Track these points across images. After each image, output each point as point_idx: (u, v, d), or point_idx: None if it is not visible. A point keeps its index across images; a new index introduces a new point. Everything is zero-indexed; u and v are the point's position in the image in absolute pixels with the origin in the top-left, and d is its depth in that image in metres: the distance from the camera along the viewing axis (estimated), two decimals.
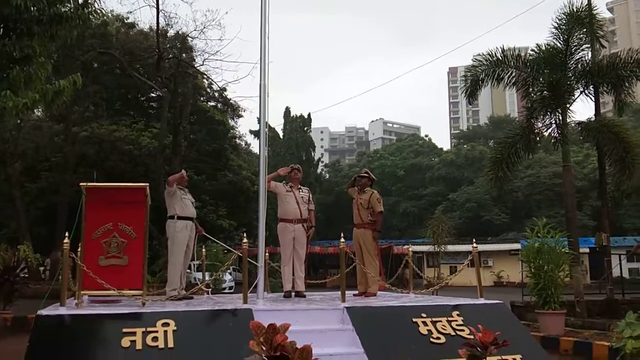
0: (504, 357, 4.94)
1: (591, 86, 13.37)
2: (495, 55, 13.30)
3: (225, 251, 17.04)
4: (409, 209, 50.95)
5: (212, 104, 33.95)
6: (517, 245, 29.15)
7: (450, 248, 27.94)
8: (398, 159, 58.11)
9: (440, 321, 5.78)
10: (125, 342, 4.71)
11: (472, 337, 4.16)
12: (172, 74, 25.42)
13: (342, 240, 6.41)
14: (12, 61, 8.76)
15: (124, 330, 4.83)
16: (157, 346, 4.73)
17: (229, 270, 22.90)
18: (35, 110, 20.21)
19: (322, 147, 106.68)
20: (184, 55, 26.55)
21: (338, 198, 49.72)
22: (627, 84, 13.25)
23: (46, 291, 7.34)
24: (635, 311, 4.73)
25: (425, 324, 5.70)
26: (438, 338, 5.52)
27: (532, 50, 13.59)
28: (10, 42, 8.70)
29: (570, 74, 13.08)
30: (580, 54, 13.09)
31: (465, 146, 59.83)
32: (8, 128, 18.61)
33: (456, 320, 5.86)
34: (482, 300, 6.67)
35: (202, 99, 32.72)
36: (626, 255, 19.28)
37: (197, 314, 5.36)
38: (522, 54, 13.88)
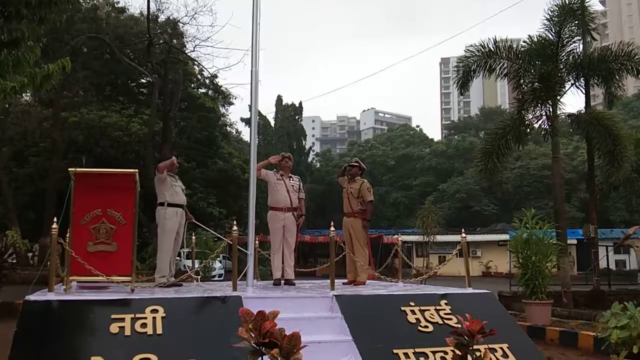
0: (490, 346, 4.99)
1: (582, 78, 13.44)
2: (488, 46, 13.30)
3: (215, 239, 17.02)
4: (399, 199, 51.11)
5: (203, 91, 33.75)
6: (505, 236, 29.36)
7: (440, 238, 28.11)
8: (389, 149, 58.18)
9: (429, 310, 5.82)
10: (114, 328, 4.70)
11: (459, 325, 4.20)
12: (162, 60, 25.20)
13: (332, 229, 6.42)
14: (0, 45, 8.63)
15: (113, 316, 4.82)
16: (146, 332, 4.72)
17: (218, 259, 22.89)
18: (23, 95, 20.00)
19: (313, 135, 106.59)
20: (174, 41, 26.29)
21: (329, 187, 49.73)
22: (617, 77, 13.32)
23: (34, 277, 7.29)
24: (621, 302, 4.79)
25: (413, 312, 5.73)
26: (426, 326, 5.56)
27: (524, 41, 13.60)
28: None
29: (562, 66, 13.12)
30: (571, 46, 13.15)
31: (456, 137, 60.04)
32: None
33: (444, 309, 5.90)
34: (470, 290, 6.72)
35: (192, 85, 32.50)
36: (613, 246, 19.44)
37: (186, 301, 5.35)
38: (514, 45, 13.89)
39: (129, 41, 26.36)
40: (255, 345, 3.18)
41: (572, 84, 13.41)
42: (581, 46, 13.50)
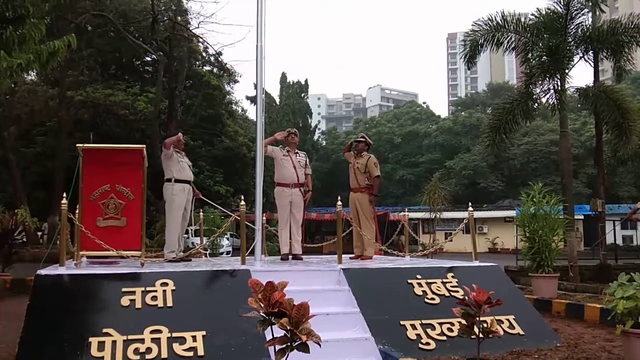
0: (497, 317, 5.03)
1: (591, 52, 13.26)
2: (495, 20, 13.13)
3: (223, 217, 17.12)
4: (406, 176, 51.05)
5: (208, 68, 33.62)
6: (512, 213, 29.30)
7: (446, 215, 28.19)
8: (395, 126, 57.91)
9: (435, 282, 5.88)
10: (125, 301, 4.77)
11: (466, 297, 4.23)
12: (167, 37, 25.08)
13: (339, 203, 6.45)
14: (5, 21, 8.62)
15: (124, 289, 4.89)
16: (157, 305, 4.79)
17: (226, 236, 23.05)
18: (29, 73, 19.97)
19: (318, 113, 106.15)
20: (179, 18, 26.13)
21: (334, 165, 49.82)
22: (626, 50, 13.12)
23: (44, 255, 7.39)
24: (628, 273, 4.80)
25: (420, 285, 5.79)
26: (433, 299, 5.61)
27: (532, 14, 13.41)
28: (3, 1, 8.55)
29: (570, 39, 12.94)
30: (580, 18, 12.91)
31: (463, 113, 59.61)
32: (2, 90, 18.42)
33: (450, 282, 5.96)
34: (476, 263, 6.77)
35: (197, 63, 32.38)
36: (620, 221, 19.42)
37: (196, 274, 5.42)
38: (522, 19, 13.70)
39: (133, 19, 26.22)
40: (264, 315, 3.22)
41: (580, 57, 13.24)
42: (590, 19, 13.32)
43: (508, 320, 5.49)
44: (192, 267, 5.94)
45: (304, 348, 3.12)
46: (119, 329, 4.46)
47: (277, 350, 3.17)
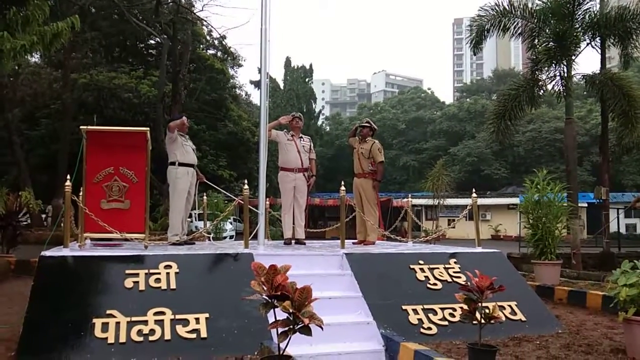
0: (499, 303, 5.04)
1: (598, 38, 13.14)
2: (502, 5, 13.04)
3: (226, 201, 17.12)
4: (409, 162, 50.95)
5: (212, 52, 33.46)
6: (515, 200, 29.35)
7: (449, 202, 28.16)
8: (400, 112, 57.69)
9: (438, 268, 5.89)
10: (129, 283, 4.80)
11: (468, 283, 4.23)
12: (170, 20, 24.93)
13: (343, 188, 6.44)
14: (8, 2, 8.57)
15: (127, 271, 4.91)
16: (160, 287, 4.81)
17: (229, 220, 23.08)
18: (33, 55, 19.93)
19: (323, 99, 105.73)
20: (182, 0, 25.96)
21: (338, 151, 49.75)
22: (634, 37, 12.99)
23: (48, 237, 7.41)
24: (631, 261, 4.80)
25: (422, 270, 5.80)
26: (435, 284, 5.63)
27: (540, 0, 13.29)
28: None
29: (577, 25, 12.81)
30: (588, 4, 12.79)
31: (468, 100, 59.37)
32: (6, 72, 18.37)
33: (453, 268, 5.97)
34: (479, 249, 6.76)
35: (201, 47, 32.21)
36: (624, 209, 19.39)
37: (199, 257, 5.43)
38: (529, 4, 13.58)
39: (137, 1, 26.04)
40: (267, 298, 3.23)
41: (587, 44, 13.12)
42: (598, 4, 13.19)
43: (510, 306, 5.50)
44: (196, 250, 5.95)
45: (307, 331, 3.13)
46: (122, 310, 4.49)
47: (279, 332, 3.18)
